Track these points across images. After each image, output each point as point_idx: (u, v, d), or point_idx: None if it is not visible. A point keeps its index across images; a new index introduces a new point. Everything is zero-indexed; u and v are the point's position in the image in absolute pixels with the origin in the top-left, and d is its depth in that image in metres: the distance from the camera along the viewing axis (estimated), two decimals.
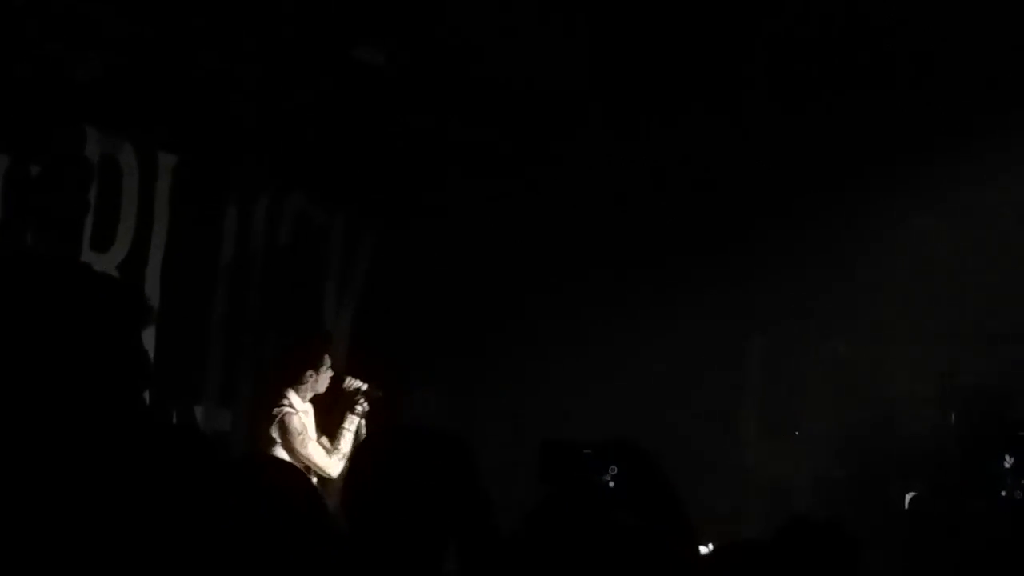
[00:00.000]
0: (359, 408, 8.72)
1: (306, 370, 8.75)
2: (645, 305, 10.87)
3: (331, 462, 8.57)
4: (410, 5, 10.13)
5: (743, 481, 11.22)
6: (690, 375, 11.17)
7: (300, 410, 8.69)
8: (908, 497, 10.07)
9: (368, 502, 3.46)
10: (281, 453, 8.34)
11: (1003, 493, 9.11)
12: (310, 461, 8.48)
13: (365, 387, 8.81)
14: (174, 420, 8.89)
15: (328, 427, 8.78)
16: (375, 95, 10.69)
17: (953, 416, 10.47)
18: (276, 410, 8.60)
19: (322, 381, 8.82)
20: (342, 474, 8.22)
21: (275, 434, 8.53)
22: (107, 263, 8.84)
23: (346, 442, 8.62)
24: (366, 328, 11.11)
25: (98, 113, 8.87)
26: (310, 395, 8.78)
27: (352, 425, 8.68)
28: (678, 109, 10.69)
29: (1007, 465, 9.13)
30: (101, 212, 8.94)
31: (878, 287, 10.94)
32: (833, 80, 10.30)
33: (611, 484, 4.00)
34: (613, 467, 3.99)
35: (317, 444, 8.63)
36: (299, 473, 3.12)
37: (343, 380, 8.87)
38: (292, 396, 8.65)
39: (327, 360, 8.90)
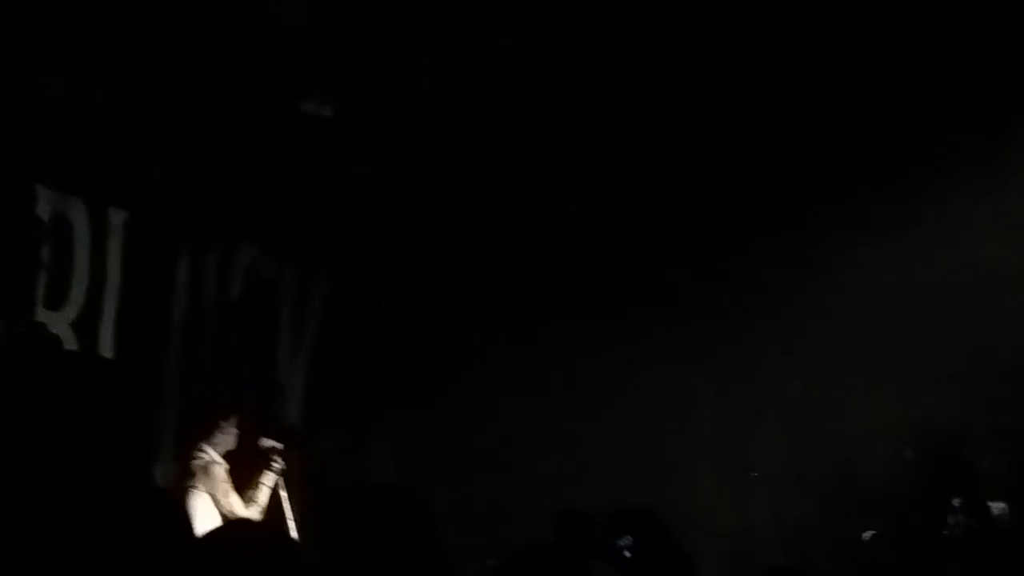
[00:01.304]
0: (275, 465, 8.84)
1: (217, 425, 8.85)
2: (597, 351, 10.93)
3: (250, 513, 8.67)
4: (356, 60, 10.19)
5: (701, 523, 11.26)
6: (645, 418, 11.21)
7: (218, 463, 8.78)
8: (866, 536, 10.14)
9: (343, 557, 3.54)
10: (201, 501, 8.42)
11: (945, 532, 9.20)
12: (230, 510, 8.57)
13: (279, 446, 8.93)
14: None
15: (242, 483, 8.85)
16: (323, 146, 10.75)
17: (909, 453, 10.55)
18: (196, 461, 8.67)
19: (231, 436, 8.91)
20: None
21: (198, 484, 8.60)
22: (60, 321, 8.83)
23: (263, 496, 8.73)
24: (320, 379, 11.13)
25: (48, 172, 8.87)
26: (223, 450, 8.87)
27: (269, 480, 8.78)
28: (629, 155, 10.77)
29: (955, 504, 9.23)
30: (54, 270, 8.92)
31: (831, 326, 11.00)
32: (782, 119, 10.38)
33: (627, 553, 4.07)
34: (628, 536, 4.07)
35: (236, 496, 8.72)
36: (285, 536, 3.18)
37: (257, 438, 8.98)
38: (208, 449, 8.74)
39: (234, 416, 8.99)
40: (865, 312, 10.90)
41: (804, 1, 9.21)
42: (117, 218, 9.45)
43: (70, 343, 8.76)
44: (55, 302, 8.94)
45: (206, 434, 8.79)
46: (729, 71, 9.87)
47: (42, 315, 8.71)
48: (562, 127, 10.65)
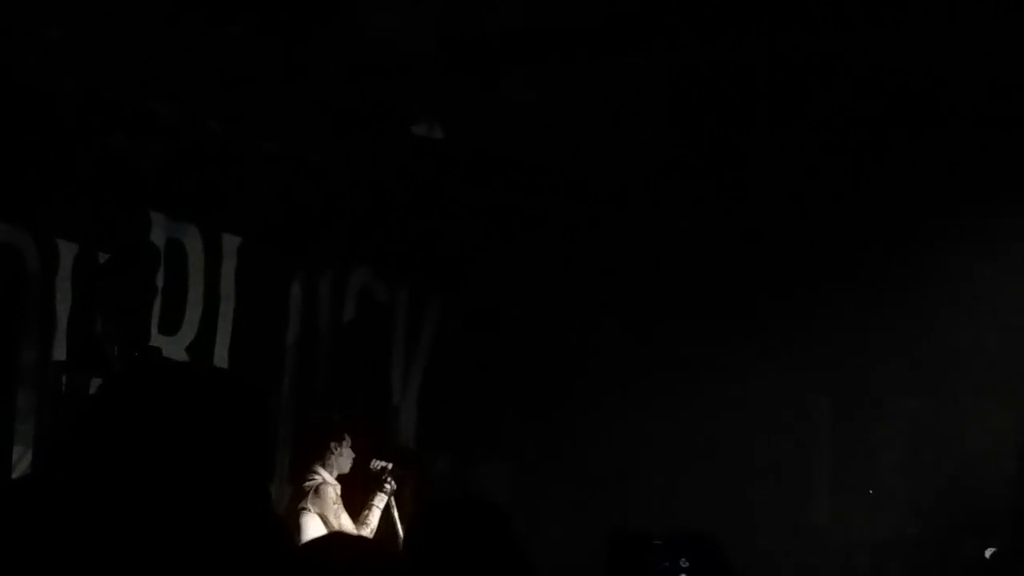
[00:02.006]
0: (387, 487, 8.87)
1: (330, 447, 8.93)
2: (710, 365, 10.85)
3: (362, 535, 8.72)
4: (467, 80, 10.23)
5: (815, 541, 11.13)
6: (759, 433, 11.12)
7: (330, 484, 8.86)
8: (988, 553, 9.94)
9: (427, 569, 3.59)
10: (313, 522, 8.49)
11: None
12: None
13: (391, 466, 8.97)
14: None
15: (354, 504, 8.90)
16: (434, 169, 10.81)
17: None
18: (308, 483, 8.75)
19: (345, 458, 8.98)
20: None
21: (309, 505, 8.67)
22: (175, 346, 8.97)
23: (375, 517, 8.78)
24: (434, 400, 11.17)
25: (162, 198, 9.02)
26: (336, 472, 8.93)
27: (380, 502, 8.82)
28: (736, 166, 10.69)
29: None
30: (168, 296, 9.07)
31: (949, 341, 10.83)
32: (892, 133, 10.26)
33: None
34: (684, 560, 4.01)
35: (348, 517, 8.77)
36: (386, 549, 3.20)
37: (370, 460, 9.03)
38: (321, 471, 8.81)
39: (347, 439, 9.06)
40: (985, 327, 10.72)
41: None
42: (231, 243, 9.58)
43: None
44: (170, 328, 9.08)
45: (319, 456, 8.88)
46: (831, 87, 9.79)
47: (157, 340, 8.84)
48: (674, 144, 10.60)
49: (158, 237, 9.03)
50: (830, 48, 9.42)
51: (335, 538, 3.86)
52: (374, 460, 9.01)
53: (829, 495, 11.46)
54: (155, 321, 8.96)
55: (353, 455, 9.01)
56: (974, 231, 10.28)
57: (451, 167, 10.84)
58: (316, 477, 8.78)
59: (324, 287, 10.43)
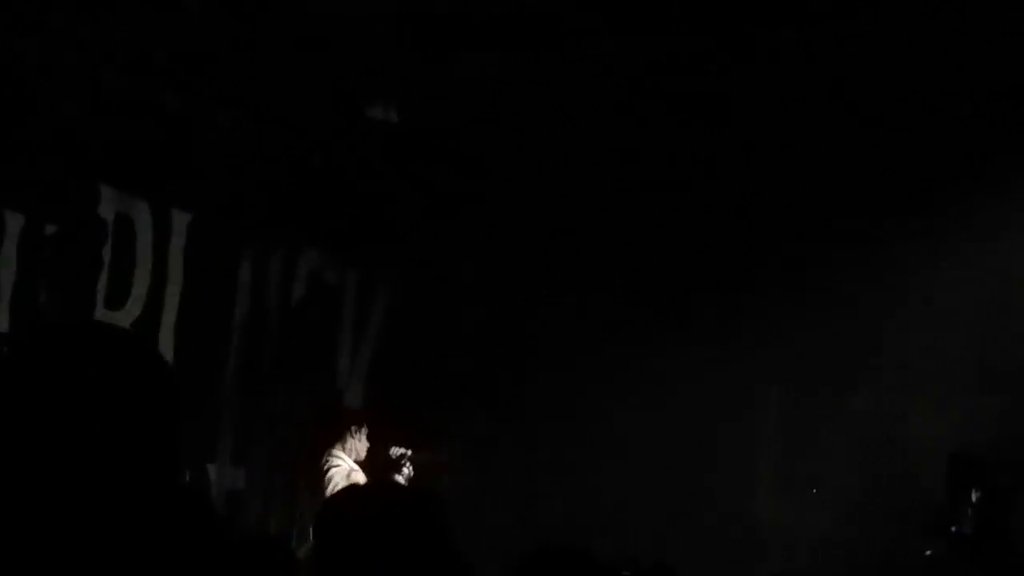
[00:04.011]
0: (405, 471, 8.85)
1: (347, 430, 8.91)
2: (661, 352, 10.85)
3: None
4: (424, 65, 10.19)
5: (757, 535, 11.15)
6: (707, 426, 11.13)
7: (350, 468, 8.83)
8: (928, 552, 9.99)
9: (339, 552, 3.49)
10: None
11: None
12: None
13: (410, 453, 8.96)
14: (187, 480, 8.89)
15: None
16: (388, 153, 10.76)
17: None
18: (328, 466, 8.73)
19: (362, 443, 8.95)
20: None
21: (330, 486, 8.64)
22: (121, 321, 8.87)
23: None
24: (379, 382, 11.14)
25: (112, 172, 8.92)
26: (353, 457, 8.91)
27: None
28: (689, 159, 10.71)
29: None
30: (115, 270, 8.97)
31: (899, 341, 10.88)
32: (848, 130, 10.30)
33: None
34: None
35: None
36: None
37: (387, 445, 9.02)
38: (340, 454, 8.80)
39: (365, 425, 9.04)
40: (935, 325, 10.75)
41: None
42: (181, 220, 9.49)
43: None
44: (116, 302, 8.99)
45: (339, 439, 8.86)
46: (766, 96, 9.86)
47: (102, 314, 8.75)
48: (623, 133, 10.60)
49: (107, 211, 8.92)
50: (777, 47, 9.48)
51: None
52: (393, 447, 9.00)
53: (773, 490, 11.48)
54: (101, 295, 8.86)
55: (367, 443, 9.00)
56: (927, 229, 10.34)
57: (403, 148, 10.79)
58: (336, 461, 8.74)
59: (274, 267, 10.35)
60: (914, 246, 10.43)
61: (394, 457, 8.98)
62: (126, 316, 9.00)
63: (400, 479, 8.82)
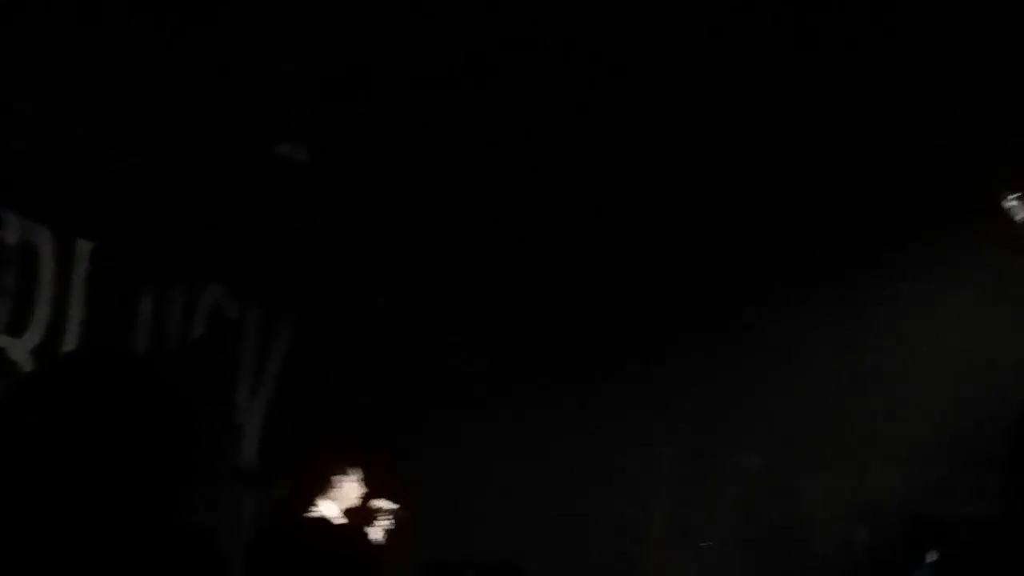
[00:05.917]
0: (385, 523, 8.70)
1: (331, 477, 8.73)
2: (551, 403, 10.91)
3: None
4: (334, 104, 10.23)
5: None
6: (601, 480, 11.18)
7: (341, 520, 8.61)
8: None
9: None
10: None
11: None
12: None
13: (393, 507, 8.81)
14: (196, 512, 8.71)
15: None
16: (296, 191, 10.77)
17: (863, 533, 10.49)
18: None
19: (348, 489, 8.76)
20: None
21: None
22: (21, 348, 8.78)
23: None
24: (277, 423, 11.09)
25: (16, 198, 8.85)
26: (341, 505, 8.69)
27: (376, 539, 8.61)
28: (582, 210, 10.81)
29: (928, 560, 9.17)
30: (17, 297, 8.88)
31: (790, 403, 10.97)
32: (742, 190, 10.41)
33: None
34: None
35: None
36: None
37: (374, 494, 8.84)
38: (323, 504, 8.61)
39: (354, 470, 8.86)
40: (831, 389, 10.84)
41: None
42: (83, 248, 9.41)
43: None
44: (16, 329, 8.88)
45: (322, 487, 8.64)
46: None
47: (3, 341, 8.66)
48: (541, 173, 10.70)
49: (10, 236, 8.84)
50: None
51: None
52: (381, 500, 8.80)
53: (664, 544, 11.55)
54: (2, 321, 8.76)
55: (359, 489, 8.78)
56: (826, 294, 10.46)
57: (312, 190, 10.81)
58: (314, 511, 8.50)
59: (176, 300, 10.30)
60: (808, 309, 10.55)
61: (378, 509, 8.76)
62: (26, 343, 8.90)
63: (378, 534, 8.58)
